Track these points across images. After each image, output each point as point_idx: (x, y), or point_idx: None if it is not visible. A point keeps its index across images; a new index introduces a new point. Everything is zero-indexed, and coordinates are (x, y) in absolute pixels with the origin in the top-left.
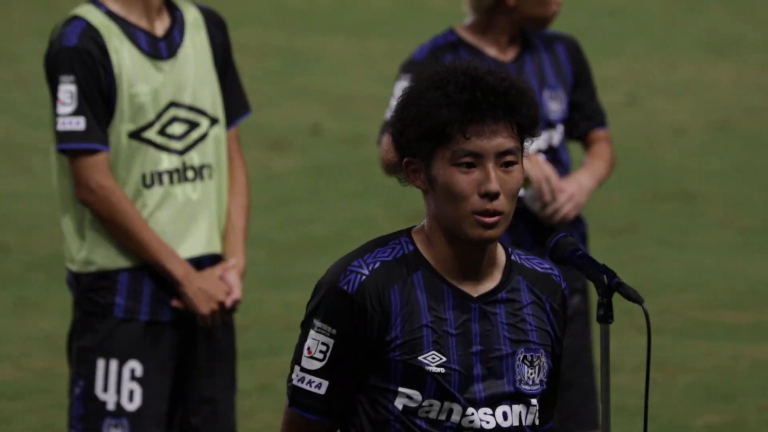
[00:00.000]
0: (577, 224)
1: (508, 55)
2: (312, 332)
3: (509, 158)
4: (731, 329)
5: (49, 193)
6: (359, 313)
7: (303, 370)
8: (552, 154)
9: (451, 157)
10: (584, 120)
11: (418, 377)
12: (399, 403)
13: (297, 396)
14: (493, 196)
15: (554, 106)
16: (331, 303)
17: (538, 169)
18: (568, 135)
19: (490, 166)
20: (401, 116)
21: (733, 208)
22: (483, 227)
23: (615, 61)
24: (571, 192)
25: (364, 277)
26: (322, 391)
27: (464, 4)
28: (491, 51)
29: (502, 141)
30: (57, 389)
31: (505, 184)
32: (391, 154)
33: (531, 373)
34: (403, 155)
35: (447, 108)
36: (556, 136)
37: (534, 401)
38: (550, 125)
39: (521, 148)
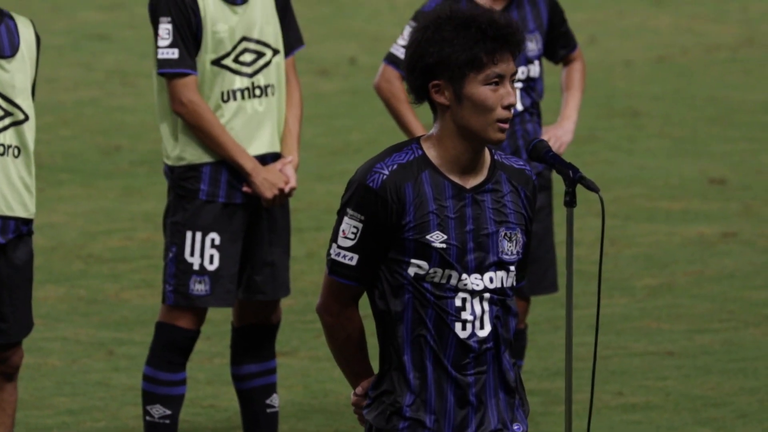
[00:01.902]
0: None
1: (498, 5)
2: (346, 218)
3: (514, 77)
4: (667, 214)
5: (151, 107)
6: (382, 203)
7: (339, 246)
8: (529, 82)
9: (484, 79)
10: (561, 48)
11: (426, 251)
12: (411, 271)
13: (335, 266)
14: (510, 108)
15: (531, 45)
16: (360, 196)
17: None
18: (552, 60)
19: (508, 84)
20: (427, 50)
21: (669, 122)
22: (502, 131)
23: (580, 12)
24: (557, 135)
25: (385, 176)
26: (354, 262)
27: None
28: (486, 2)
29: (513, 65)
30: (155, 254)
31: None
32: (394, 82)
33: (510, 246)
34: (428, 79)
35: (482, 42)
36: (533, 69)
37: (512, 268)
38: (528, 61)
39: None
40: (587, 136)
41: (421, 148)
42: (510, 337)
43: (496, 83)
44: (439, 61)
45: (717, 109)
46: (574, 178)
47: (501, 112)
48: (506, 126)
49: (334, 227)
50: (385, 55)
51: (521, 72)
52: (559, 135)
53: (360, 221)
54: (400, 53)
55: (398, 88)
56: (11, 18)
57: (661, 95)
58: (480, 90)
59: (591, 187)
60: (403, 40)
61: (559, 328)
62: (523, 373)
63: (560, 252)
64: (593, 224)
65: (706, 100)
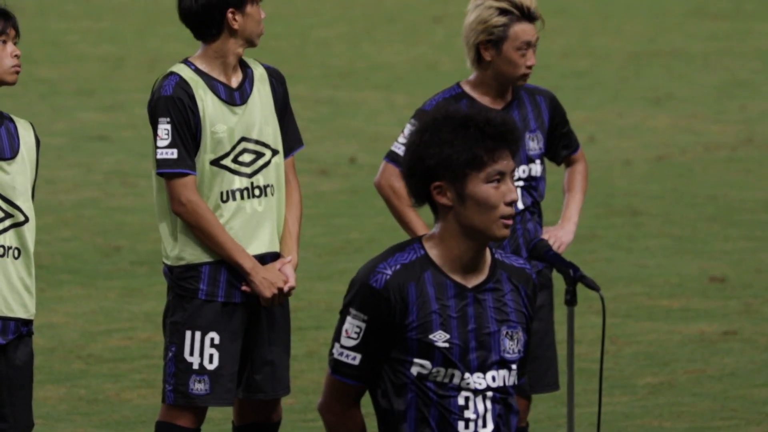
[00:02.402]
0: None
1: (499, 105)
2: (349, 318)
3: (513, 174)
4: (667, 312)
5: (150, 207)
6: (385, 304)
7: (342, 346)
8: (530, 182)
9: (485, 177)
10: (563, 149)
11: (429, 350)
12: (414, 370)
13: (337, 366)
14: (512, 204)
15: (533, 145)
16: (363, 296)
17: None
18: (555, 161)
19: (509, 181)
20: (426, 152)
21: (669, 221)
22: (506, 227)
23: (580, 111)
24: (558, 236)
25: (388, 277)
26: (357, 362)
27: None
28: (485, 101)
29: (512, 162)
30: (155, 354)
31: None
32: (394, 180)
33: (511, 345)
34: (429, 181)
35: (481, 141)
36: (534, 168)
37: (514, 366)
38: (530, 160)
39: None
40: (587, 235)
41: (423, 248)
42: None
43: (498, 180)
44: (440, 162)
45: (716, 207)
46: (574, 276)
47: (504, 209)
48: (510, 222)
49: (337, 327)
50: (386, 153)
51: (522, 171)
52: (559, 235)
53: (363, 321)
54: (401, 151)
55: (399, 186)
56: (11, 121)
57: (661, 194)
58: (482, 188)
59: (591, 285)
60: (403, 138)
61: (560, 427)
62: None
63: (561, 350)
64: (594, 322)
65: (705, 198)
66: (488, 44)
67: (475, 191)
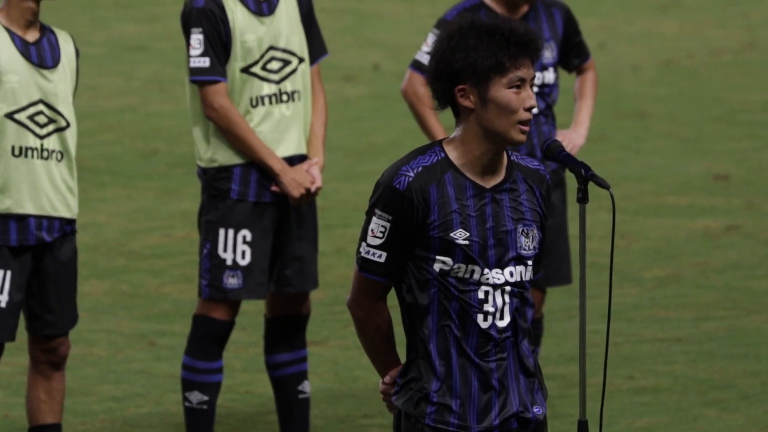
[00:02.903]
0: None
1: (516, 15)
2: (374, 218)
3: (533, 82)
4: (673, 209)
5: (186, 113)
6: (408, 204)
7: (368, 245)
8: (544, 88)
9: (507, 83)
10: (575, 58)
11: (450, 248)
12: (437, 267)
13: (364, 263)
14: (530, 110)
15: (547, 54)
16: (388, 197)
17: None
18: (567, 69)
19: (529, 87)
20: (453, 57)
21: (675, 122)
22: (523, 133)
23: (591, 19)
24: (570, 138)
25: (411, 178)
26: (383, 259)
27: None
28: (502, 11)
29: (532, 70)
30: (192, 251)
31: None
32: (419, 87)
33: (527, 242)
34: (454, 84)
35: (505, 48)
36: (548, 75)
37: (530, 262)
38: (543, 68)
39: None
40: (598, 137)
41: (444, 151)
42: (528, 326)
43: (518, 87)
44: (465, 66)
45: (721, 109)
46: (585, 175)
47: (523, 114)
48: (527, 128)
49: (363, 227)
50: (410, 62)
51: (537, 78)
52: (572, 138)
53: (388, 221)
54: (425, 59)
55: (423, 92)
56: (53, 32)
57: (668, 97)
58: (504, 93)
59: (602, 184)
60: (427, 47)
61: (573, 317)
62: (540, 360)
63: (574, 245)
64: (604, 219)
65: (710, 101)
66: None
67: (497, 95)
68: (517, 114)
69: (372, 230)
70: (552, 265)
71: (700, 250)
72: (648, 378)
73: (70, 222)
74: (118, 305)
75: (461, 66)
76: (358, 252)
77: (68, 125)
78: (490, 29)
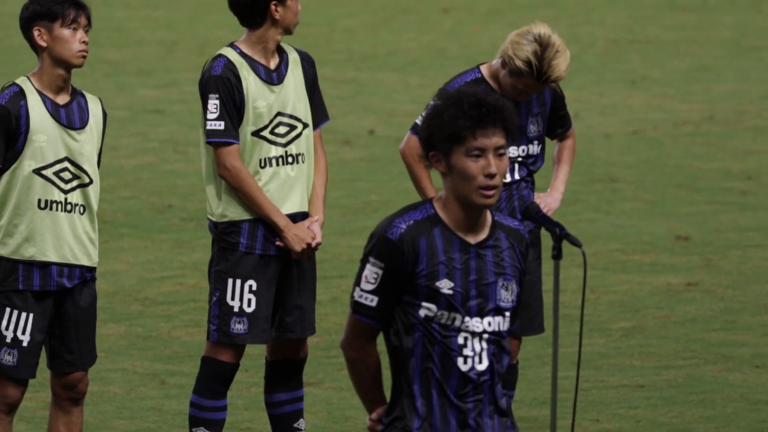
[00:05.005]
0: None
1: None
2: (368, 265)
3: (501, 151)
4: (638, 266)
5: (199, 171)
6: (399, 253)
7: (362, 290)
8: (527, 159)
9: (465, 151)
10: (559, 128)
11: (435, 296)
12: (422, 313)
13: (357, 307)
14: (492, 177)
15: (533, 128)
16: (381, 247)
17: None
18: (550, 137)
19: (491, 156)
20: (429, 125)
21: (642, 187)
22: (485, 197)
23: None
24: (547, 201)
25: (403, 230)
26: (374, 303)
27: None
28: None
29: (497, 140)
30: (202, 298)
31: (498, 168)
32: (415, 149)
33: (506, 295)
34: (429, 150)
35: (462, 119)
36: (532, 147)
37: (507, 313)
38: (529, 141)
39: (507, 144)
40: (572, 199)
41: (434, 208)
42: (503, 371)
43: (477, 156)
44: (432, 134)
45: (682, 176)
46: (560, 234)
47: (482, 180)
48: (490, 192)
49: (357, 273)
50: (410, 126)
51: (522, 150)
52: (548, 201)
53: (381, 268)
54: None
55: (419, 154)
56: (83, 96)
57: (635, 164)
58: (462, 160)
59: (574, 242)
60: (425, 113)
61: (546, 364)
62: (514, 403)
63: (547, 298)
64: (576, 274)
65: (673, 168)
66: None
67: (456, 162)
68: (476, 180)
69: (366, 276)
70: (528, 316)
71: (662, 304)
72: (613, 421)
73: (91, 270)
74: (133, 347)
75: (429, 134)
76: (352, 296)
77: (91, 182)
78: (458, 100)
